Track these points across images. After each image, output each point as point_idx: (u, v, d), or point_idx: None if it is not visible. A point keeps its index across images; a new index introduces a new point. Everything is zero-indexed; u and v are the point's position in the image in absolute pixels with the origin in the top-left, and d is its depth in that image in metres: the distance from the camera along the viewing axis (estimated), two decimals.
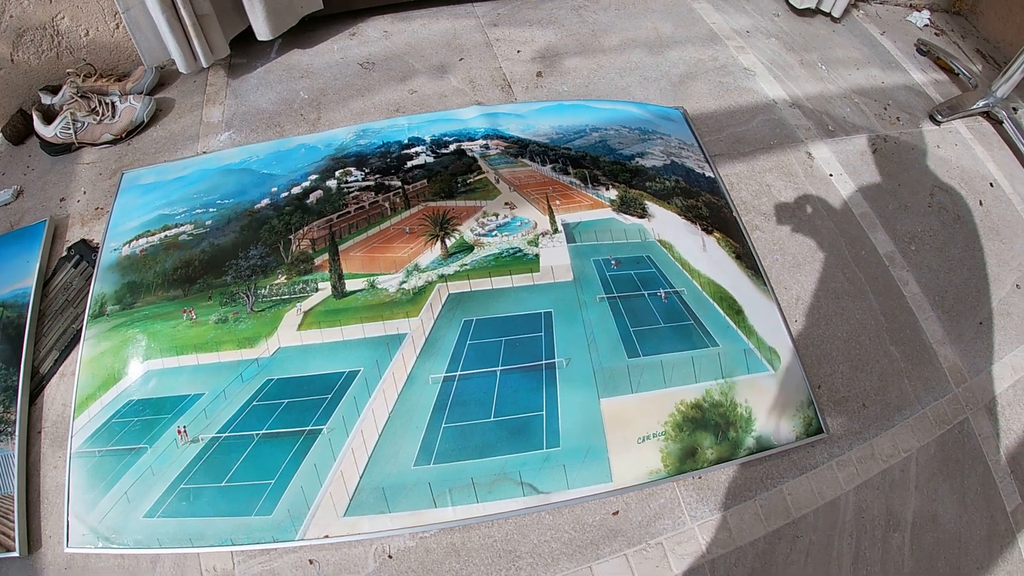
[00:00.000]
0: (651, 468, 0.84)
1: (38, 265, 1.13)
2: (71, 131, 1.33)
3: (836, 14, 1.61)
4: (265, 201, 1.02)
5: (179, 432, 0.89)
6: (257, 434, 0.85)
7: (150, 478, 0.87)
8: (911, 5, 1.90)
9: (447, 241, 0.94)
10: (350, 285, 0.90)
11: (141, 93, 1.39)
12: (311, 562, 0.87)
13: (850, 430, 1.01)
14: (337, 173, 1.02)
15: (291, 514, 0.81)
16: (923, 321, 1.14)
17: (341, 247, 0.94)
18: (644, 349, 0.89)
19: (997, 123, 1.56)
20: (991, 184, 1.43)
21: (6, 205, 1.33)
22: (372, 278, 0.91)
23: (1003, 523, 1.00)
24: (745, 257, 1.05)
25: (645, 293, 0.93)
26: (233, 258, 0.96)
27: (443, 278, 0.90)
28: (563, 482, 0.81)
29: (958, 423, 1.06)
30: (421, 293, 0.89)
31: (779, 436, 0.91)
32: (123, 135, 1.30)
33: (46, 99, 1.40)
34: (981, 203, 1.39)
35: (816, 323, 1.09)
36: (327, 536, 0.81)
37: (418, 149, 1.05)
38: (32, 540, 0.92)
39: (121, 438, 0.91)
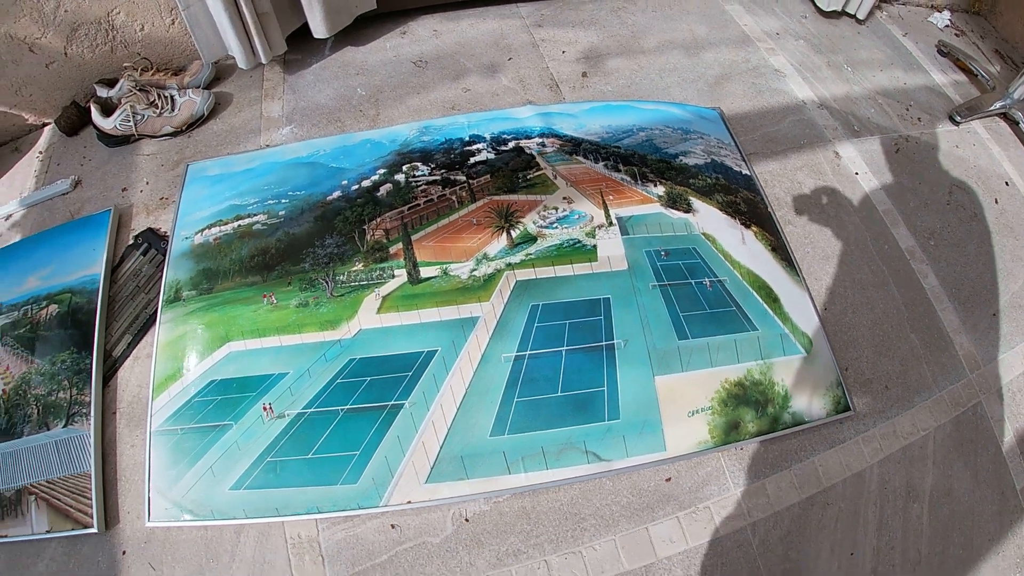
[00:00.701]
0: (700, 439, 0.99)
1: (105, 253, 1.24)
2: (131, 123, 1.44)
3: (861, 16, 1.76)
4: (337, 193, 1.14)
5: (265, 409, 1.02)
6: (342, 409, 0.98)
7: (236, 452, 1.00)
8: (932, 6, 2.06)
9: (512, 232, 1.07)
10: (424, 272, 1.04)
11: (198, 87, 1.50)
12: (393, 527, 1.00)
13: (874, 409, 1.16)
14: (404, 168, 1.15)
15: (376, 482, 0.94)
16: (941, 311, 1.30)
17: (414, 237, 1.07)
18: (692, 332, 1.04)
19: (1014, 124, 1.72)
20: (1006, 183, 1.59)
21: (64, 195, 1.44)
22: (445, 266, 1.04)
23: (1012, 500, 1.15)
24: (779, 250, 1.19)
25: (692, 281, 1.08)
26: (309, 247, 1.09)
27: (510, 266, 1.04)
28: (623, 451, 0.96)
29: (972, 406, 1.22)
30: (491, 280, 1.03)
31: (811, 413, 1.06)
32: (183, 128, 1.43)
33: (102, 92, 1.51)
34: (996, 201, 1.55)
35: (843, 311, 1.25)
36: (409, 502, 0.94)
37: (479, 146, 1.19)
38: (110, 516, 1.04)
39: (204, 416, 1.04)
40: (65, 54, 1.47)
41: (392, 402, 0.95)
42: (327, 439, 0.97)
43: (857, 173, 1.40)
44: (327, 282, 1.05)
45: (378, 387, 0.97)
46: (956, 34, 1.97)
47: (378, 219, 1.10)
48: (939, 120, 1.64)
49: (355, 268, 1.06)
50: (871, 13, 1.78)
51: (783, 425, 1.02)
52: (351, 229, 1.09)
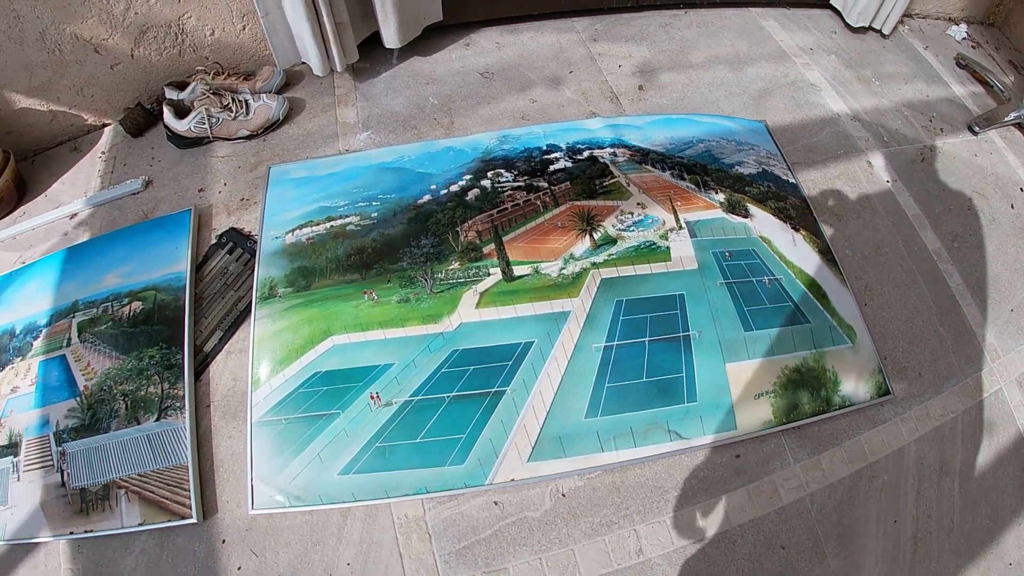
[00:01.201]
0: (765, 419, 1.16)
1: (189, 251, 1.37)
2: (206, 126, 1.57)
3: (886, 31, 1.96)
4: (427, 197, 1.30)
5: (372, 397, 1.16)
6: (448, 396, 1.13)
7: (344, 439, 1.13)
8: (950, 19, 2.29)
9: (594, 234, 1.24)
10: (517, 271, 1.20)
11: (271, 92, 1.64)
12: (495, 503, 1.15)
13: (909, 393, 1.35)
14: (489, 174, 1.32)
15: (481, 462, 1.09)
16: (965, 307, 1.50)
17: (504, 238, 1.23)
18: (756, 324, 1.21)
19: None
20: (1021, 189, 1.82)
21: (135, 194, 1.56)
22: (536, 265, 1.20)
23: None
24: (825, 252, 1.37)
25: (753, 280, 1.25)
26: (405, 246, 1.24)
27: (595, 265, 1.21)
28: (700, 430, 1.12)
29: (994, 392, 1.42)
30: (578, 277, 1.19)
31: (857, 396, 1.24)
32: (259, 131, 1.56)
33: (171, 94, 1.62)
34: (1012, 206, 1.77)
35: (880, 307, 1.43)
36: (512, 479, 1.09)
37: (557, 155, 1.35)
38: (207, 507, 1.13)
39: (310, 406, 1.16)
40: (131, 56, 1.58)
41: (495, 389, 1.11)
42: (434, 424, 1.12)
43: (888, 181, 1.61)
44: (426, 280, 1.20)
45: (481, 375, 1.12)
46: (973, 46, 2.20)
47: (469, 221, 1.26)
48: (959, 130, 1.85)
49: (452, 267, 1.21)
50: (895, 28, 2.00)
51: (834, 407, 1.20)
52: (444, 231, 1.25)
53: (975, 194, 1.68)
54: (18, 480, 1.14)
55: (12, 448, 1.19)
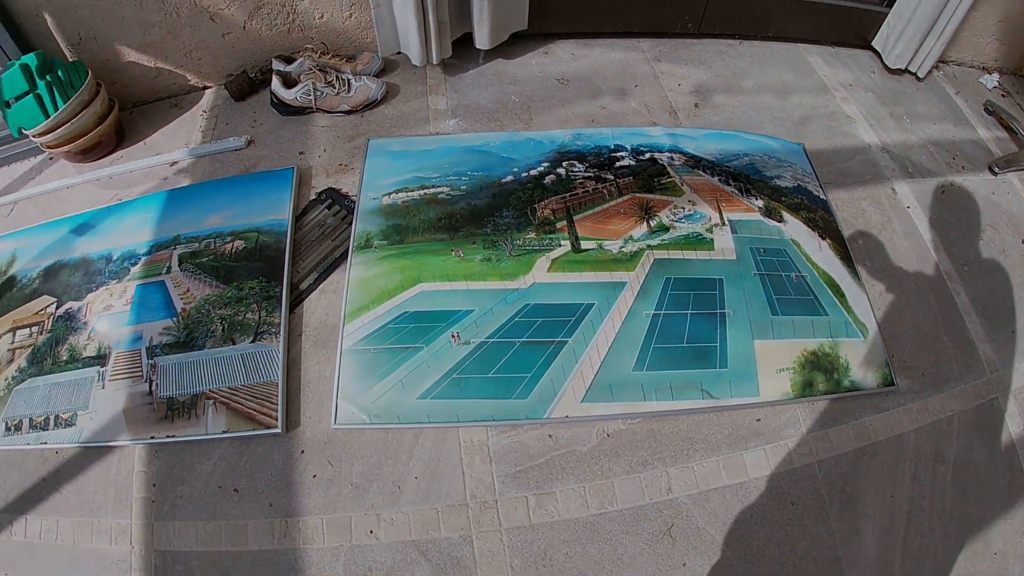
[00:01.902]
0: (784, 391, 1.43)
1: (291, 202, 1.66)
2: (311, 97, 1.89)
3: (921, 74, 2.27)
4: (509, 177, 1.62)
5: (453, 336, 1.45)
6: (518, 341, 1.42)
7: (425, 369, 1.40)
8: (984, 68, 2.61)
9: (651, 222, 1.55)
10: (584, 245, 1.50)
11: (370, 75, 1.98)
12: (550, 436, 1.42)
13: (912, 389, 1.61)
14: (563, 164, 1.64)
15: (541, 399, 1.36)
16: (969, 323, 1.77)
17: (575, 217, 1.55)
18: (782, 311, 1.50)
19: None
20: None
21: (237, 151, 1.88)
22: (600, 242, 1.51)
23: (1020, 479, 1.61)
24: (846, 260, 1.66)
25: (782, 274, 1.55)
26: (489, 216, 1.55)
27: (650, 247, 1.52)
28: (728, 392, 1.40)
29: (990, 399, 1.68)
30: (635, 255, 1.50)
31: (865, 383, 1.51)
32: (358, 108, 1.88)
33: (279, 66, 1.94)
34: (1023, 242, 2.07)
35: (892, 312, 1.70)
36: (567, 416, 1.37)
37: (623, 154, 1.68)
38: (291, 420, 1.37)
39: (397, 339, 1.44)
40: (243, 28, 1.86)
41: (558, 339, 1.40)
42: (504, 363, 1.40)
43: (909, 207, 1.90)
44: (507, 244, 1.51)
45: (548, 327, 1.41)
46: (1003, 95, 2.50)
47: (545, 201, 1.57)
48: (980, 170, 2.15)
49: (529, 236, 1.52)
50: (930, 72, 2.32)
51: (844, 389, 1.48)
52: (524, 206, 1.57)
53: (988, 227, 1.97)
54: (102, 388, 1.37)
55: (100, 359, 1.42)
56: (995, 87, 2.44)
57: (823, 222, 1.68)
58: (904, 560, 1.40)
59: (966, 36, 2.34)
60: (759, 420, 1.44)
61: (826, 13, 2.18)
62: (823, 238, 1.63)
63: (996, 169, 2.13)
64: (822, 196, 1.75)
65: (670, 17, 2.13)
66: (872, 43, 2.24)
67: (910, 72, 2.24)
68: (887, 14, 2.17)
